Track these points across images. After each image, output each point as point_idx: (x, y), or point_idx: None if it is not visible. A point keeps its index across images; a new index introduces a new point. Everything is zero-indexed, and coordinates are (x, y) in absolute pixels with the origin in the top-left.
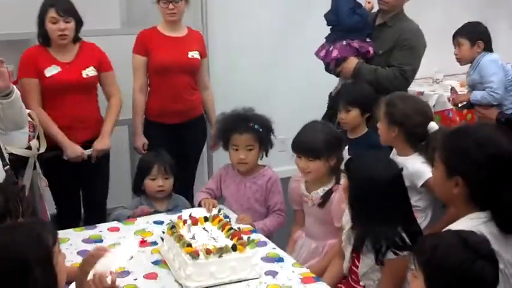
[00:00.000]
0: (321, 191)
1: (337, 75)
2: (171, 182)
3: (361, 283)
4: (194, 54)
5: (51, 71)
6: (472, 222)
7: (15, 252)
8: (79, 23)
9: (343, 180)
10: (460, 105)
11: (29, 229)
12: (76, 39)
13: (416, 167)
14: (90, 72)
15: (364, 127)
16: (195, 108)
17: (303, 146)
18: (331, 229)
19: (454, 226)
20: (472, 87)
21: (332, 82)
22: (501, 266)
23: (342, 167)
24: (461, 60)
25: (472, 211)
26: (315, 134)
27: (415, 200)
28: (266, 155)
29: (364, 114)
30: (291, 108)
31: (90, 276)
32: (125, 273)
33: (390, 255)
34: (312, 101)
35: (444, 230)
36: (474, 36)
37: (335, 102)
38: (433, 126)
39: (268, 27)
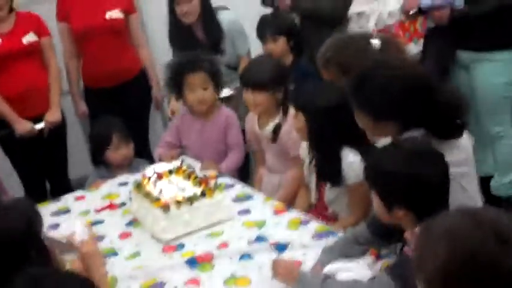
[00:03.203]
0: (271, 126)
1: (277, 9)
2: (132, 147)
3: (329, 210)
4: (113, 14)
5: None
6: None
7: (11, 237)
8: None
9: (296, 117)
10: (411, 12)
11: (20, 212)
12: (11, 9)
13: None
14: (30, 37)
15: (290, 56)
16: (131, 67)
17: (249, 78)
18: (288, 160)
19: None
20: None
21: None
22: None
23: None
24: None
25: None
26: (261, 66)
27: None
28: (218, 96)
29: (289, 42)
30: None
31: None
32: (99, 238)
33: (351, 179)
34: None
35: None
36: None
37: (260, 33)
38: (375, 42)
39: None
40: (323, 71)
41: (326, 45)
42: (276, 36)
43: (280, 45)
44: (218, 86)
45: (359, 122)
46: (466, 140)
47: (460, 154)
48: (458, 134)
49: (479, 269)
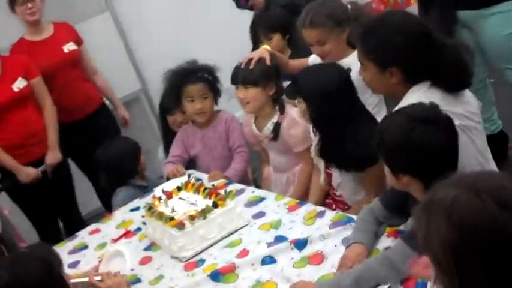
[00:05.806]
0: (270, 125)
1: (251, 9)
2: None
3: (336, 193)
4: (70, 47)
5: None
6: (418, 93)
7: (33, 284)
8: None
9: (297, 106)
10: None
11: (40, 258)
12: None
13: None
14: (20, 83)
15: (287, 49)
16: (93, 98)
17: (239, 74)
18: (293, 156)
19: (402, 104)
20: None
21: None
22: (457, 122)
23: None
24: None
25: (410, 88)
26: (250, 63)
27: (367, 97)
28: (216, 104)
29: (285, 37)
30: (228, 56)
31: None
32: None
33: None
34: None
35: (393, 111)
36: None
37: (254, 34)
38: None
39: None
40: (309, 32)
41: (304, 11)
42: (270, 34)
43: (274, 43)
44: (217, 94)
45: (366, 76)
46: (473, 99)
47: (468, 108)
48: (464, 86)
49: (485, 238)
